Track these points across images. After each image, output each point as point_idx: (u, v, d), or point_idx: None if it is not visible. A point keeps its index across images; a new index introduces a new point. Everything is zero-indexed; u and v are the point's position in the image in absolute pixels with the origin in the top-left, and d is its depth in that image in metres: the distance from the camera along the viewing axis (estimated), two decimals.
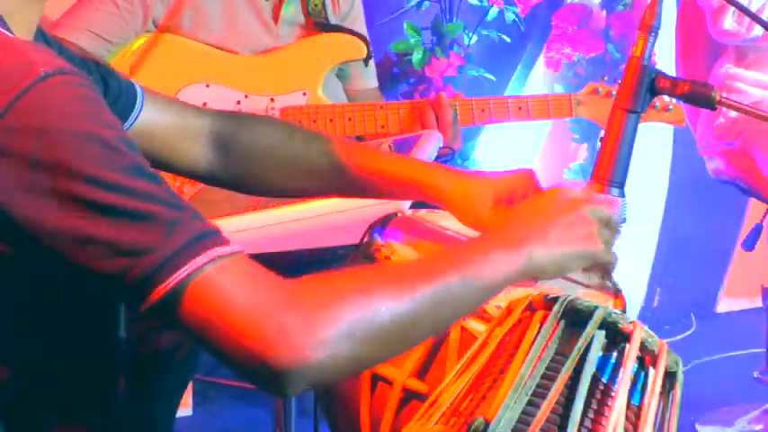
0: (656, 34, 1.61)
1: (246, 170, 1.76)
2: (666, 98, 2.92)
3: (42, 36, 1.44)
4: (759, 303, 3.47)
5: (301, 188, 1.79)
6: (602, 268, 1.52)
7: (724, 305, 4.59)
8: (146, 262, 1.17)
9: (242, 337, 1.16)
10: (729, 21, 3.19)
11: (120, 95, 1.64)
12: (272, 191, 1.80)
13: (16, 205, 1.17)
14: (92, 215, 1.17)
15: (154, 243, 1.17)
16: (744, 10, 1.84)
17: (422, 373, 1.54)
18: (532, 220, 1.41)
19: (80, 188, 1.17)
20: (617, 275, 1.63)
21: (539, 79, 4.08)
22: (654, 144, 4.04)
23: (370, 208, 1.93)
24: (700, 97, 1.60)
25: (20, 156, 1.17)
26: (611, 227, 1.45)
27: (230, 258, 1.20)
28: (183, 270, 1.17)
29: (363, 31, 3.06)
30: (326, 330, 1.17)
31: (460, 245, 1.57)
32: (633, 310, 4.14)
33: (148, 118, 1.67)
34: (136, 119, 1.65)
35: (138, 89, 1.67)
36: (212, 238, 1.20)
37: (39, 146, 1.17)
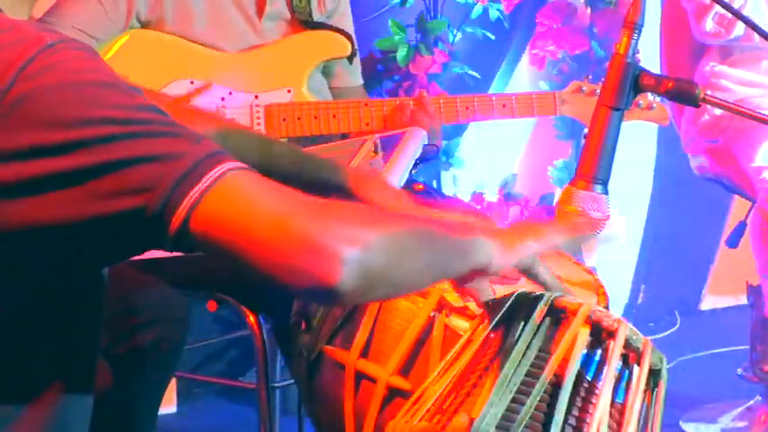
0: (640, 32, 1.61)
1: None
2: (650, 97, 2.92)
3: None
4: (743, 301, 3.47)
5: None
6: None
7: (708, 302, 4.60)
8: (175, 168, 1.17)
9: (284, 232, 1.16)
10: (710, 22, 3.20)
11: None
12: None
13: (33, 168, 1.18)
14: (112, 145, 1.18)
15: (180, 150, 1.19)
16: (727, 7, 1.84)
17: (405, 370, 1.54)
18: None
19: (98, 130, 1.18)
20: (601, 273, 1.64)
21: (523, 77, 4.08)
22: (638, 141, 4.03)
23: None
24: (684, 94, 1.60)
25: (35, 117, 1.19)
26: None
27: (252, 170, 1.22)
28: (215, 170, 1.18)
29: (350, 28, 3.05)
30: (365, 230, 1.20)
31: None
32: (617, 308, 4.14)
33: None
34: None
35: None
36: (229, 155, 1.22)
37: (51, 104, 1.19)
